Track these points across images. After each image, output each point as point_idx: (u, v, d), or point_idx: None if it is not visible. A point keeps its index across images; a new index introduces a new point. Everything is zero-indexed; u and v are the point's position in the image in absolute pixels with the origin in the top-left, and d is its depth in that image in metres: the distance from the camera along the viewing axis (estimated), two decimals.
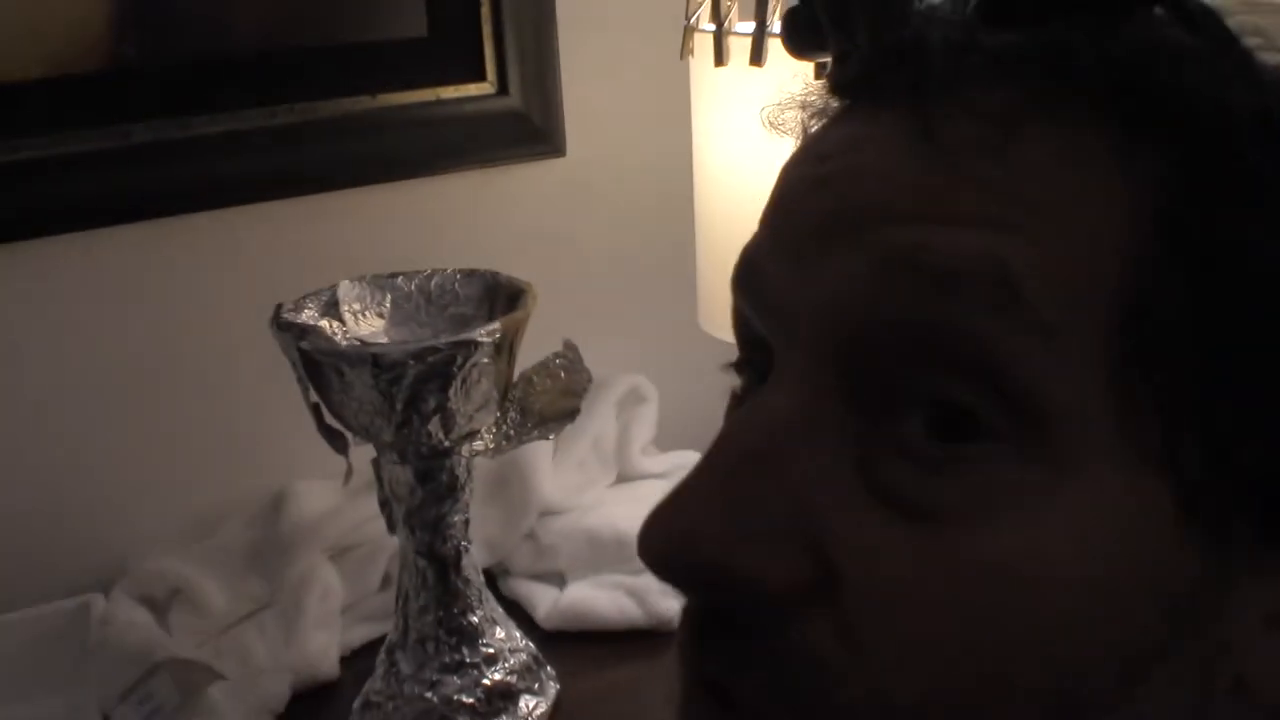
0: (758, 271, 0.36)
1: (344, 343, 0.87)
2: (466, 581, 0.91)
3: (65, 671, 0.94)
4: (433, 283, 0.92)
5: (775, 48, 0.82)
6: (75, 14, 0.94)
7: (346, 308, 0.90)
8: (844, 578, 0.31)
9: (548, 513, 1.11)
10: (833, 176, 0.35)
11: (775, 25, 0.81)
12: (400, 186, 1.10)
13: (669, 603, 1.03)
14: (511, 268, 0.91)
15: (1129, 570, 0.31)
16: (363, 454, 0.88)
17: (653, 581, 1.04)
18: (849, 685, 0.31)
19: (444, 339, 0.80)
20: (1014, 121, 0.32)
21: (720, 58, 0.84)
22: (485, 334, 0.80)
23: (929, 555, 0.31)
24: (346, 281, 0.90)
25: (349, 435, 0.86)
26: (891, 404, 0.32)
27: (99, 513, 1.08)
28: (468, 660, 0.90)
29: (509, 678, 0.92)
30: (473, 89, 1.09)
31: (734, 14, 0.84)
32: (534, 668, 0.95)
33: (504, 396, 0.86)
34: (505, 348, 0.83)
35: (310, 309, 0.87)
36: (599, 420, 1.18)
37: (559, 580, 1.08)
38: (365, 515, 1.02)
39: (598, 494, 1.15)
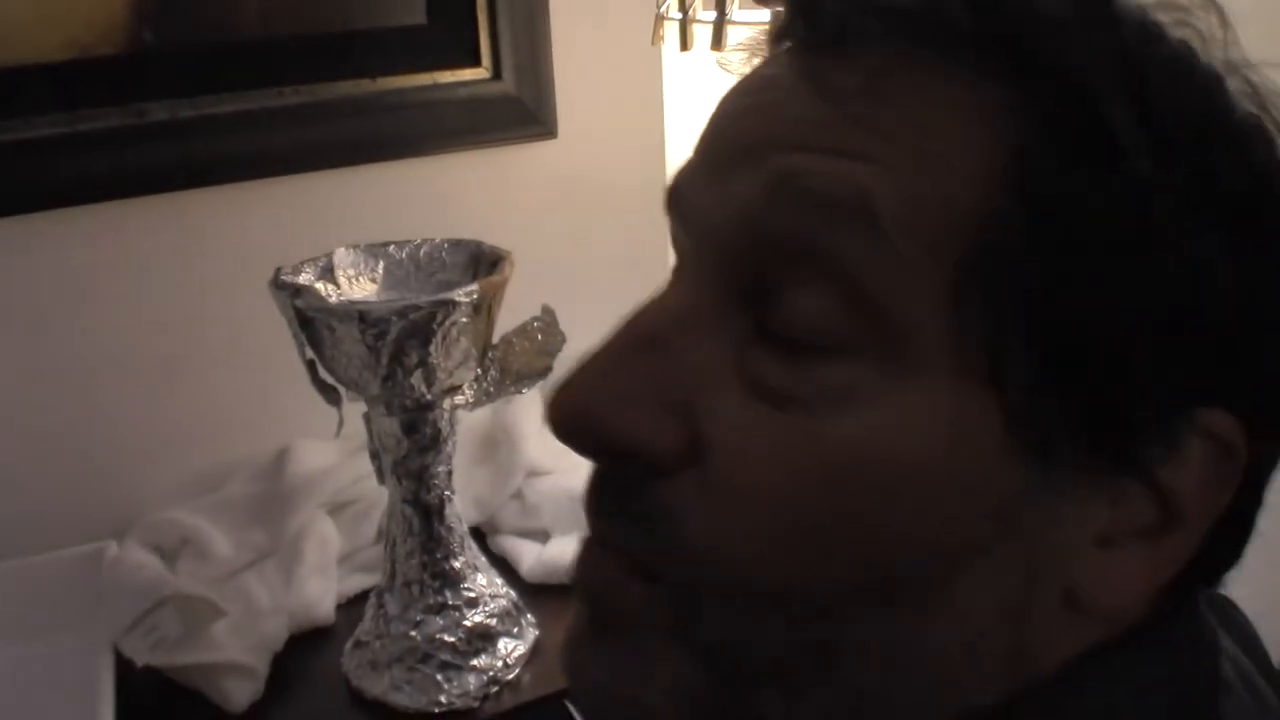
0: (680, 190, 0.43)
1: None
2: (449, 529, 0.97)
3: (80, 611, 1.01)
4: (422, 251, 0.99)
5: (735, 34, 0.88)
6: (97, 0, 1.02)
7: (341, 273, 0.96)
8: (712, 447, 0.37)
9: (534, 473, 1.18)
10: (747, 109, 0.40)
11: (734, 13, 0.87)
12: (398, 165, 1.16)
13: None
14: (500, 242, 0.97)
15: (953, 471, 0.35)
16: (357, 411, 0.95)
17: None
18: (700, 533, 0.37)
19: (425, 298, 0.86)
20: (891, 71, 0.36)
21: (685, 43, 0.90)
22: (464, 294, 0.86)
23: (784, 434, 0.36)
24: (342, 249, 0.97)
25: (341, 389, 0.93)
26: (769, 307, 0.37)
27: (113, 468, 1.16)
28: (450, 602, 0.97)
29: (489, 620, 0.98)
30: (468, 74, 1.16)
31: (698, 2, 0.90)
32: (514, 613, 1.01)
33: (484, 355, 0.93)
34: (484, 308, 0.89)
35: (307, 273, 0.94)
36: None
37: (543, 536, 1.15)
38: (361, 473, 1.08)
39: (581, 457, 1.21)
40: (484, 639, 0.98)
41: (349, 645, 1.01)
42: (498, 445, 1.19)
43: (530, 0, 1.16)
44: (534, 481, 1.17)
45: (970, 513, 0.35)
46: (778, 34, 0.42)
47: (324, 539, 1.10)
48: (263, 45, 1.08)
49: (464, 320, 0.87)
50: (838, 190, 0.35)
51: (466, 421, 1.07)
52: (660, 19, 0.94)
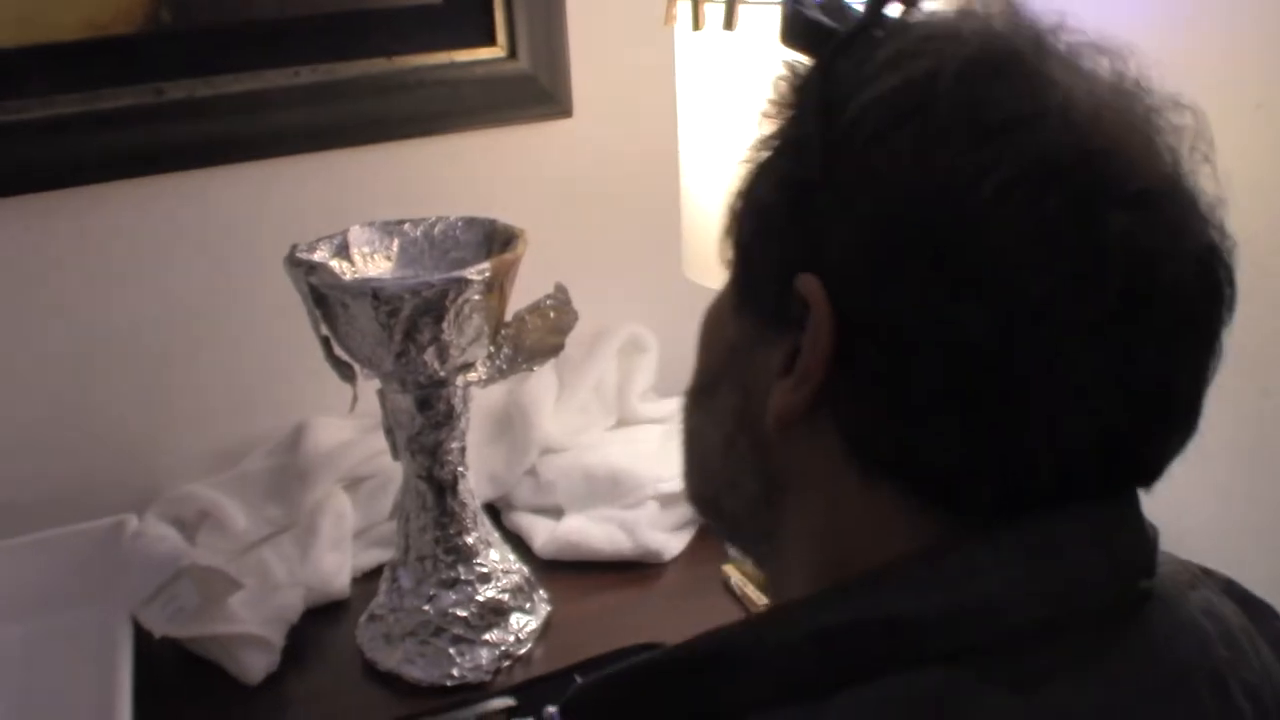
0: None
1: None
2: (463, 505, 0.98)
3: (101, 583, 1.02)
4: (436, 229, 1.00)
5: (745, 13, 0.88)
6: None
7: (356, 250, 0.97)
8: None
9: (548, 451, 1.19)
10: None
11: None
12: (414, 144, 1.17)
13: (657, 536, 1.10)
14: (516, 219, 0.98)
15: (723, 318, 0.55)
16: (372, 388, 0.96)
17: (643, 516, 1.12)
18: None
19: (438, 276, 0.87)
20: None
21: (696, 23, 0.90)
22: (476, 273, 0.87)
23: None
24: (357, 226, 0.98)
25: (355, 366, 0.94)
26: None
27: (135, 442, 1.17)
28: (463, 577, 0.98)
29: (502, 595, 0.99)
30: (484, 53, 1.16)
31: None
32: (526, 589, 1.03)
33: (496, 331, 0.93)
34: (496, 286, 0.90)
35: (323, 250, 0.95)
36: (600, 366, 1.25)
37: (557, 514, 1.16)
38: (377, 449, 1.09)
39: (597, 435, 1.22)
40: (496, 614, 0.99)
41: (363, 618, 1.02)
42: (513, 423, 1.20)
43: None
44: (548, 459, 1.18)
45: (722, 349, 0.55)
46: None
47: (340, 514, 1.11)
48: (279, 25, 1.09)
49: (476, 298, 0.88)
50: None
51: (482, 399, 1.08)
52: (672, 0, 0.94)
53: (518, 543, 1.13)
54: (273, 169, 1.13)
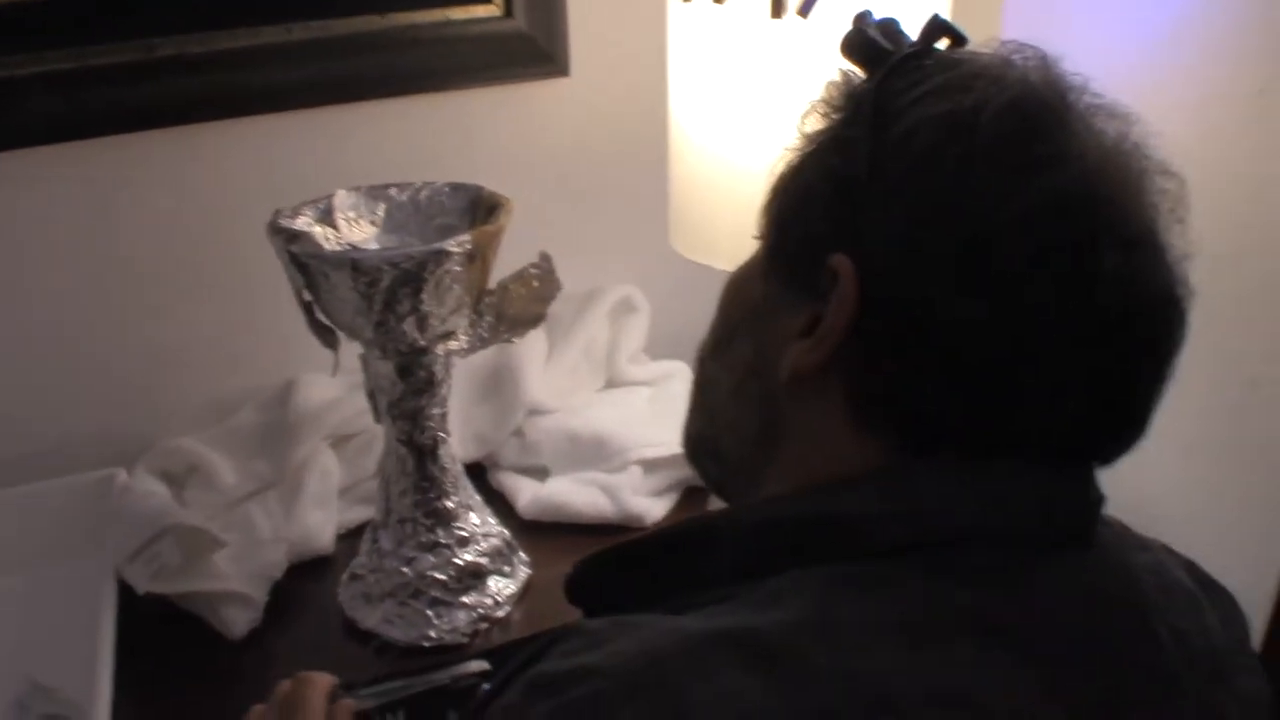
0: None
1: (337, 247, 0.95)
2: (443, 469, 0.99)
3: (88, 536, 1.04)
4: (422, 195, 0.99)
5: None
6: None
7: (341, 215, 0.97)
8: None
9: (535, 412, 1.20)
10: None
11: None
12: (407, 102, 1.16)
13: (639, 500, 1.11)
14: (506, 182, 0.98)
15: (743, 284, 0.62)
16: (356, 350, 0.97)
17: (626, 480, 1.13)
18: None
19: (417, 248, 0.87)
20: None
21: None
22: (456, 244, 0.87)
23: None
24: (343, 191, 0.98)
25: (338, 331, 0.94)
26: None
27: (126, 395, 1.19)
28: (442, 541, 0.99)
29: (480, 559, 1.01)
30: (480, 10, 1.15)
31: None
32: (506, 552, 1.04)
33: (478, 300, 0.94)
34: (477, 257, 0.89)
35: (306, 215, 0.95)
36: (591, 328, 1.25)
37: (542, 474, 1.17)
38: (363, 407, 1.08)
39: (585, 397, 1.23)
40: (475, 577, 1.00)
41: (345, 577, 1.04)
42: (501, 383, 1.20)
43: None
44: (535, 420, 1.19)
45: (744, 303, 0.62)
46: None
47: (325, 471, 1.13)
48: None
49: (457, 269, 0.88)
50: None
51: (471, 358, 1.09)
52: None
53: (501, 502, 1.14)
54: (265, 125, 1.12)
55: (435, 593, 0.98)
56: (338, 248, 0.95)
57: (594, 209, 1.27)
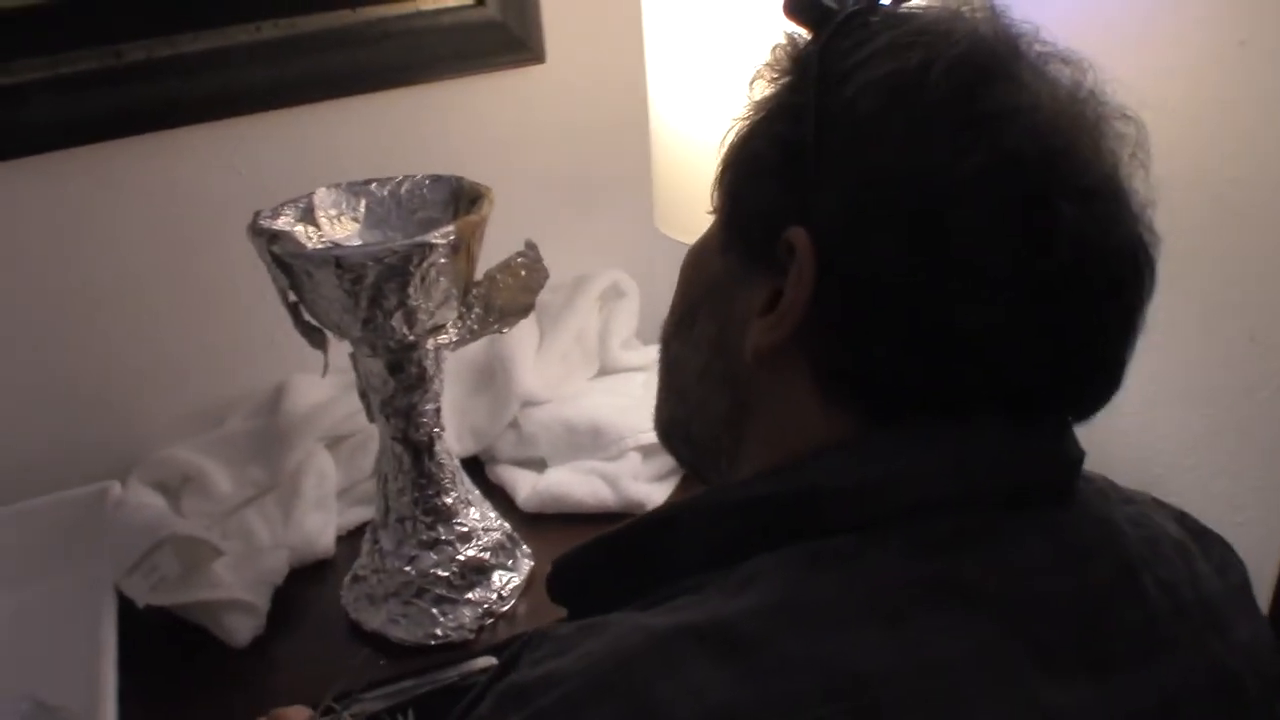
0: None
1: (320, 245, 0.94)
2: (440, 465, 0.98)
3: (85, 550, 1.03)
4: (403, 189, 0.98)
5: None
6: None
7: (322, 213, 0.96)
8: None
9: (530, 403, 1.18)
10: None
11: None
12: (382, 96, 1.15)
13: (640, 487, 1.10)
14: (488, 172, 0.97)
15: (708, 254, 0.60)
16: (346, 350, 0.95)
17: (625, 467, 1.12)
18: None
19: (401, 242, 0.86)
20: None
21: None
22: (440, 236, 0.86)
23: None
24: (323, 189, 0.96)
25: (326, 331, 0.93)
26: None
27: (116, 408, 1.17)
28: (443, 538, 0.98)
29: (483, 554, 1.00)
30: (451, 1, 1.13)
31: None
32: (508, 545, 1.03)
33: (465, 293, 0.92)
34: (462, 248, 0.88)
35: (287, 215, 0.94)
36: (581, 314, 1.24)
37: (540, 466, 1.16)
38: (356, 407, 1.07)
39: (578, 385, 1.22)
40: (478, 572, 0.99)
41: (347, 579, 1.03)
42: (494, 376, 1.19)
43: None
44: (530, 411, 1.18)
45: (703, 279, 0.60)
46: None
47: (322, 473, 1.12)
48: None
49: (442, 261, 0.87)
50: None
51: (463, 352, 1.08)
52: None
53: (501, 496, 1.14)
54: (239, 128, 1.11)
55: (439, 590, 0.97)
56: (320, 246, 0.94)
57: (578, 195, 1.26)
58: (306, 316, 0.92)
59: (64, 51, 1.00)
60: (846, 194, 0.51)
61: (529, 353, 1.20)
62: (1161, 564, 0.52)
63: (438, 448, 0.98)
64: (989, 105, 0.50)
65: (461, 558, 0.98)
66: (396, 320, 0.88)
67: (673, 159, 0.99)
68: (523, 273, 0.97)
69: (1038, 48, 0.53)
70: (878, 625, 0.44)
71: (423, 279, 0.87)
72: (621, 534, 0.57)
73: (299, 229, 0.93)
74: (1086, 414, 0.54)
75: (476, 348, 1.18)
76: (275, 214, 0.93)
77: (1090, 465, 0.55)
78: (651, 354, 1.26)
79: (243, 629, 0.98)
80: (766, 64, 0.58)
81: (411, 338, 0.91)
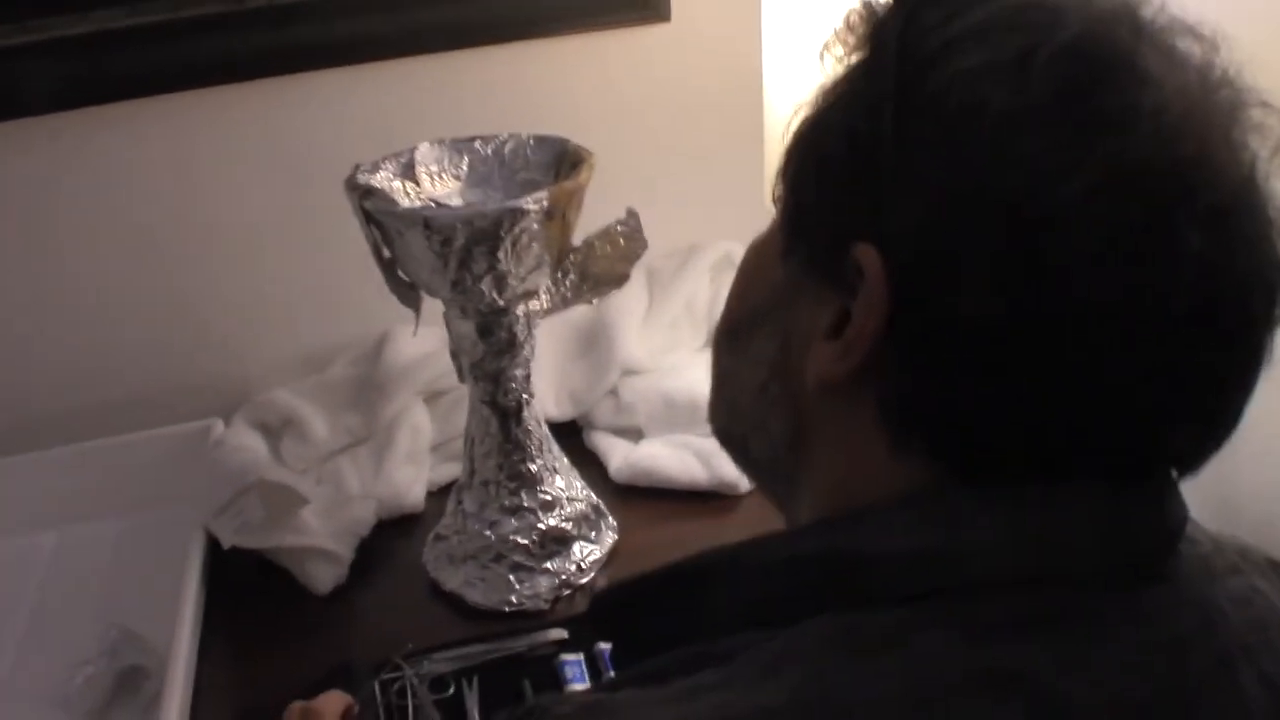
0: None
1: (417, 203, 0.93)
2: (527, 432, 0.97)
3: (185, 486, 1.05)
4: (507, 148, 0.96)
5: None
6: None
7: (423, 169, 0.95)
8: None
9: (630, 372, 1.16)
10: None
11: None
12: (501, 50, 1.13)
13: (732, 467, 1.07)
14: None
15: (768, 257, 0.52)
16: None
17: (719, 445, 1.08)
18: None
19: (492, 206, 0.84)
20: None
21: None
22: (532, 201, 0.83)
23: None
24: (426, 144, 0.95)
25: (419, 289, 0.92)
26: None
27: (228, 346, 1.20)
28: (525, 504, 0.97)
29: (564, 524, 0.98)
30: None
31: None
32: (592, 517, 1.01)
33: (559, 259, 0.90)
34: (557, 214, 0.86)
35: (387, 169, 0.93)
36: (692, 282, 1.21)
37: (636, 436, 1.13)
38: None
39: (683, 356, 1.19)
40: (558, 542, 0.98)
41: (430, 537, 1.03)
42: (596, 340, 1.17)
43: None
44: (630, 380, 1.16)
45: (763, 288, 0.53)
46: None
47: (416, 427, 1.12)
48: None
49: (535, 226, 0.85)
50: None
51: (567, 314, 1.06)
52: None
53: (595, 464, 1.12)
54: (356, 75, 1.11)
55: (517, 557, 0.96)
56: (417, 203, 0.93)
57: (690, 161, 1.22)
58: (400, 273, 0.91)
59: None
60: (928, 210, 0.43)
61: (634, 319, 1.17)
62: (1267, 654, 0.45)
63: (526, 413, 0.96)
64: (1104, 108, 0.41)
65: (542, 526, 0.97)
66: (485, 284, 0.86)
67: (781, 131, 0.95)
68: (622, 241, 0.94)
69: (1162, 20, 0.44)
70: None
71: (513, 244, 0.85)
72: (663, 578, 0.51)
73: (397, 184, 0.92)
74: (1194, 467, 0.46)
75: (581, 311, 1.17)
76: (375, 168, 0.92)
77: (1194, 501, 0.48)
78: None
79: (325, 577, 0.99)
80: (839, 31, 0.49)
81: (501, 302, 0.89)
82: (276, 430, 1.13)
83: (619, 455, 1.11)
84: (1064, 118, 0.41)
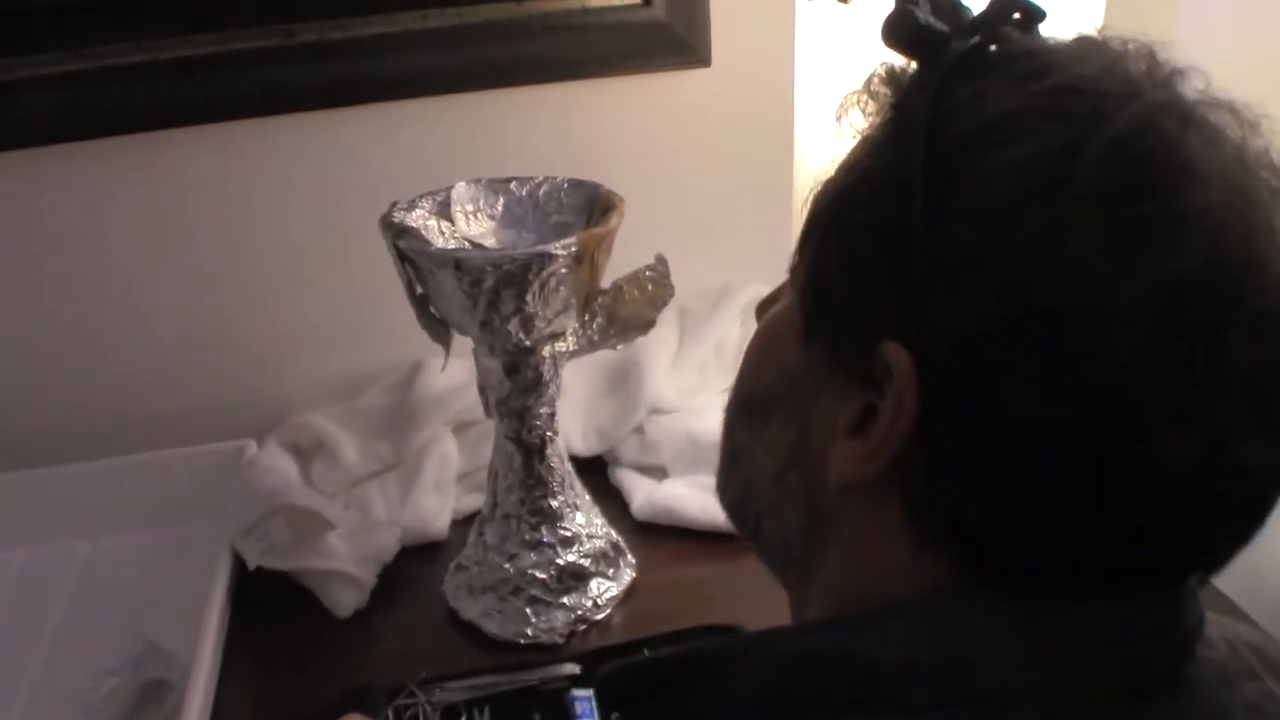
0: None
1: (451, 242, 0.95)
2: (550, 469, 0.98)
3: (216, 504, 1.08)
4: (542, 190, 0.98)
5: None
6: None
7: (459, 208, 0.97)
8: None
9: (658, 411, 1.17)
10: None
11: None
12: (540, 89, 1.15)
13: None
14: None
15: (784, 338, 0.50)
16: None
17: None
18: None
19: (521, 250, 0.86)
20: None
21: None
22: (560, 247, 0.85)
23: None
24: (462, 184, 0.97)
25: (450, 327, 0.94)
26: None
27: (268, 368, 1.23)
28: (545, 540, 0.99)
29: (583, 560, 1.00)
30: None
31: None
32: (611, 554, 1.03)
33: (587, 302, 0.92)
34: (585, 259, 0.88)
35: (423, 207, 0.95)
36: (723, 325, 1.22)
37: (660, 474, 1.15)
38: None
39: (709, 398, 1.20)
40: (576, 578, 0.99)
41: (452, 566, 1.05)
42: (626, 378, 1.19)
43: None
44: (657, 419, 1.17)
45: (781, 368, 0.51)
46: None
47: (445, 456, 1.14)
48: None
49: (563, 271, 0.86)
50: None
51: (598, 353, 1.07)
52: None
53: (618, 500, 1.13)
54: (399, 111, 1.13)
55: (535, 591, 0.98)
56: (452, 242, 0.95)
57: (727, 203, 1.24)
58: (431, 309, 0.93)
59: (237, 28, 1.04)
60: (965, 312, 0.41)
61: (664, 359, 1.19)
62: None
63: (549, 450, 0.98)
64: (1152, 210, 0.39)
65: (561, 562, 0.99)
66: (513, 325, 0.88)
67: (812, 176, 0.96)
68: (649, 287, 0.96)
69: (1206, 102, 0.42)
70: None
71: (541, 287, 0.87)
72: (673, 663, 0.50)
73: (432, 223, 0.95)
74: (1218, 569, 0.44)
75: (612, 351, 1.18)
76: (411, 206, 0.94)
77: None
78: None
79: (346, 600, 1.01)
80: (859, 93, 0.47)
81: (528, 343, 0.91)
82: (308, 452, 1.15)
83: (642, 493, 1.12)
84: (1111, 220, 0.39)
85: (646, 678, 0.51)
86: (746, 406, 0.54)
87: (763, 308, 0.59)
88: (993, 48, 0.44)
